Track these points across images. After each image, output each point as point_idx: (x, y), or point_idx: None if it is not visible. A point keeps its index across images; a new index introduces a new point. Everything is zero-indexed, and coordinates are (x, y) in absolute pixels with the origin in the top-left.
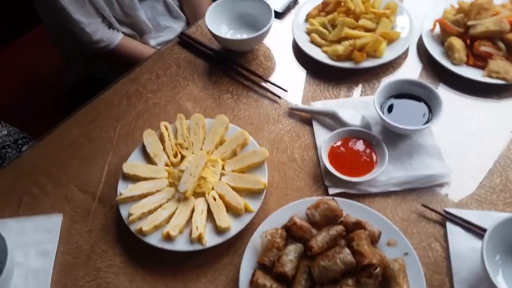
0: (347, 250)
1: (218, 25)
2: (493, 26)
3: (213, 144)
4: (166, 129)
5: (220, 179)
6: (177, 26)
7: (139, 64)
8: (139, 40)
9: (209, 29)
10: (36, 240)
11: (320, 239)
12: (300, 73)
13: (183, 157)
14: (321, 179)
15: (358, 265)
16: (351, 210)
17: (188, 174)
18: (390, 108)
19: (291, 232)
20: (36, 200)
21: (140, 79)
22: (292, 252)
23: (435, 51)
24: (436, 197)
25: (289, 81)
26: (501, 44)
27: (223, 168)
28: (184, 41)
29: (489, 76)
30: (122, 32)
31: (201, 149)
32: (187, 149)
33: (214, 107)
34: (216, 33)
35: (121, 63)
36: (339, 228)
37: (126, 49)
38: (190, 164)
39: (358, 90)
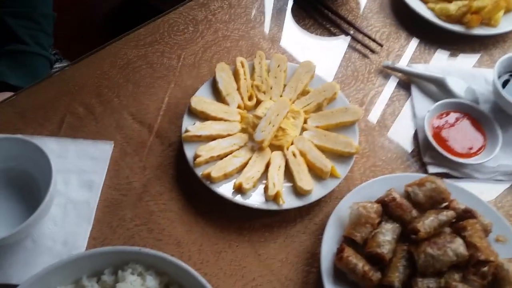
0: (460, 241)
1: None
2: None
3: (295, 92)
4: (242, 66)
5: (301, 134)
6: None
7: None
8: None
9: None
10: (78, 167)
11: (428, 222)
12: (397, 29)
13: (258, 102)
14: (417, 154)
15: (470, 259)
16: (457, 195)
17: (267, 121)
18: (505, 85)
19: (388, 209)
20: (82, 122)
21: (210, 6)
22: (389, 232)
23: None
24: None
25: (383, 35)
26: None
27: (305, 122)
28: None
29: None
30: None
31: (281, 96)
32: (264, 93)
33: (295, 52)
34: None
35: None
36: (450, 213)
37: None
38: (270, 111)
39: (463, 59)
